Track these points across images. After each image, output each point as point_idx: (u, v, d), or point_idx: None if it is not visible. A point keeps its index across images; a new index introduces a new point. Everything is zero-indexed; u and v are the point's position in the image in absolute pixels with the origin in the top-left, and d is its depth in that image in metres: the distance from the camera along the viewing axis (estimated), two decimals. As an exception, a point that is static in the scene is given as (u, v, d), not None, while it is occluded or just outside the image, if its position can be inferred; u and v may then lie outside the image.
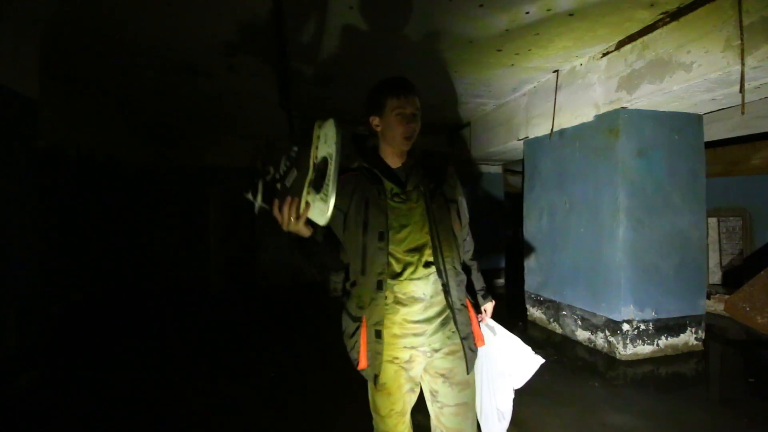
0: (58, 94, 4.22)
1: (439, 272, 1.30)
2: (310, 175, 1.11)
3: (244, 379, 3.09)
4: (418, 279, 1.30)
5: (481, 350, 1.47)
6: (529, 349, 1.58)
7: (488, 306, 1.57)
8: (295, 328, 4.56)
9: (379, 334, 1.28)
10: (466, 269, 1.49)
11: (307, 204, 1.10)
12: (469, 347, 1.33)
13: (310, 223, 1.16)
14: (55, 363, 3.30)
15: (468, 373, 1.34)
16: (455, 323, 1.32)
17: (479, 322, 1.55)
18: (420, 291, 1.31)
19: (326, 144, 1.10)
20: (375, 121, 1.31)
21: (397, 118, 1.27)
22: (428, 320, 1.33)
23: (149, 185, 6.53)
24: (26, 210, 2.85)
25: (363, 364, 1.30)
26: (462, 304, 1.34)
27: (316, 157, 1.11)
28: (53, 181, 4.04)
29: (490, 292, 1.60)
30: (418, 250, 1.30)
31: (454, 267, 1.32)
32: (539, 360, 1.57)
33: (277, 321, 4.85)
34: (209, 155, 7.03)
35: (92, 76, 4.11)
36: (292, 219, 1.12)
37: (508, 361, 1.56)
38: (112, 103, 5.09)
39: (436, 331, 1.33)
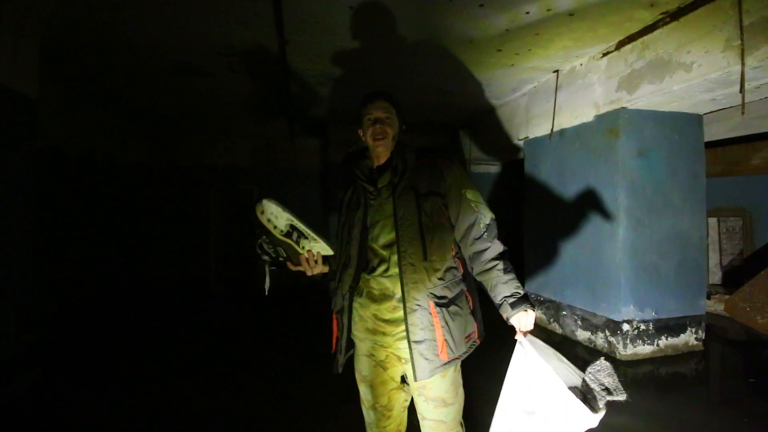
0: (58, 94, 4.22)
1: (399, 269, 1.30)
2: (291, 241, 1.35)
3: (243, 379, 3.09)
4: (388, 277, 1.33)
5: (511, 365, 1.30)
6: (572, 397, 1.14)
7: (522, 317, 1.25)
8: (294, 328, 4.55)
9: (338, 320, 1.42)
10: (457, 271, 1.36)
11: (309, 252, 1.37)
12: (421, 354, 1.25)
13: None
14: (55, 363, 3.30)
15: (416, 380, 1.26)
16: (406, 323, 1.27)
17: (515, 337, 1.29)
18: (390, 289, 1.33)
19: (278, 219, 1.34)
20: (360, 132, 1.44)
21: (367, 123, 1.40)
22: (396, 322, 1.32)
23: (149, 185, 6.53)
24: (26, 210, 2.85)
25: (333, 348, 1.44)
26: (418, 305, 1.27)
27: (281, 231, 1.35)
28: (53, 181, 4.04)
29: (526, 300, 1.26)
30: (391, 246, 1.33)
31: (412, 264, 1.28)
32: (592, 418, 1.12)
33: (277, 321, 4.84)
34: (209, 155, 7.03)
35: (92, 76, 4.10)
36: (311, 266, 1.39)
37: (531, 394, 1.21)
38: (111, 103, 5.09)
39: (404, 338, 1.30)
